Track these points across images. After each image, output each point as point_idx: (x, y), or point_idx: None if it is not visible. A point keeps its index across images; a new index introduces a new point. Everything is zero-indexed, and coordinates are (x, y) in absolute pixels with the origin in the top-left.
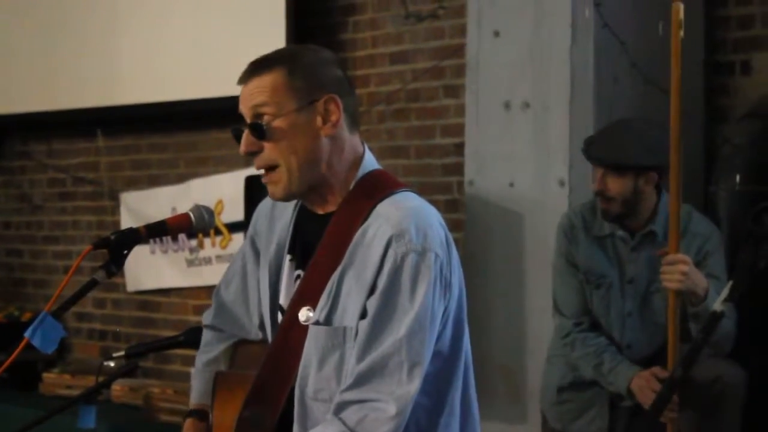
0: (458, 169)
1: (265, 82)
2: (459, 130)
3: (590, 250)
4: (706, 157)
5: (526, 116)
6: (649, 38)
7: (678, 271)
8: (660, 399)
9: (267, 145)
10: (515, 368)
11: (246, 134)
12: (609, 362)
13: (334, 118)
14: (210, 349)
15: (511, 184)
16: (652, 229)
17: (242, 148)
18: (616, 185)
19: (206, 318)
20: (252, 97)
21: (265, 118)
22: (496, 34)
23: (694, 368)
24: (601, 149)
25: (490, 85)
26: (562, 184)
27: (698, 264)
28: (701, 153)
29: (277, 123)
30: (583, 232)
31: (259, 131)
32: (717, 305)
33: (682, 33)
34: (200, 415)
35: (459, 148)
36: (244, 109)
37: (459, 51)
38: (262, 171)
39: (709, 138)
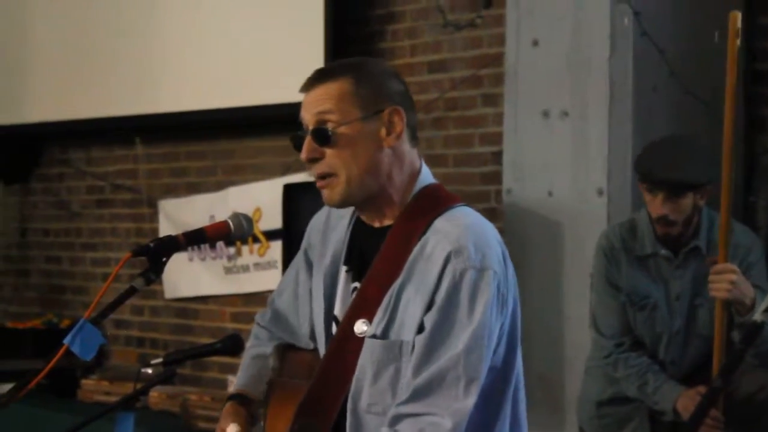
0: (496, 177)
1: (331, 89)
2: (497, 138)
3: (632, 271)
4: (745, 167)
5: (564, 125)
6: (688, 47)
7: (726, 280)
8: (699, 410)
9: (329, 152)
10: (553, 377)
11: (308, 140)
12: (653, 382)
13: (398, 129)
14: (260, 344)
15: (550, 193)
16: (696, 244)
17: (304, 154)
18: (679, 207)
19: (261, 319)
20: (317, 104)
21: (330, 124)
22: (535, 43)
23: (739, 379)
24: (665, 172)
25: (529, 94)
26: (600, 193)
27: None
28: (741, 163)
29: (342, 130)
30: (624, 253)
31: (324, 137)
32: (757, 315)
33: (738, 42)
34: (241, 399)
35: (497, 157)
36: (307, 115)
37: (497, 60)
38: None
39: (749, 148)
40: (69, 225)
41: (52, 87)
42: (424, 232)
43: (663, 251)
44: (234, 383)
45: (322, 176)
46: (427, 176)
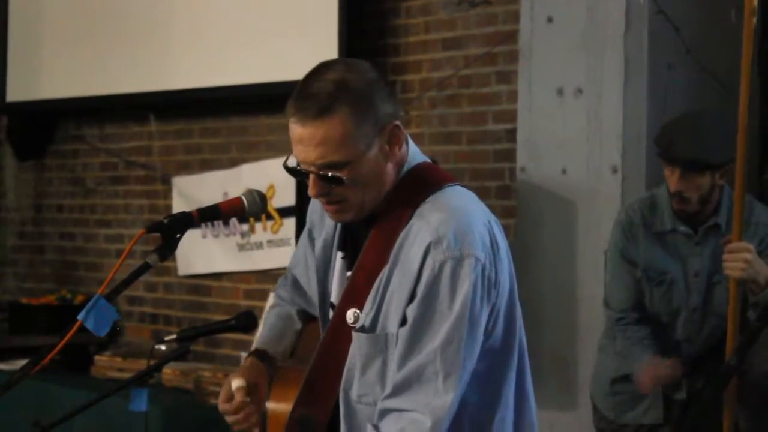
0: (510, 155)
1: (331, 131)
2: (511, 116)
3: (650, 247)
4: (761, 145)
5: (579, 103)
6: (703, 24)
7: (741, 259)
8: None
9: (339, 188)
10: (566, 356)
11: (316, 181)
12: (634, 354)
13: (400, 141)
14: (284, 304)
15: (564, 171)
16: (716, 222)
17: (312, 192)
18: (695, 184)
19: (283, 282)
20: (319, 145)
21: (337, 166)
22: (550, 20)
23: (753, 359)
24: (683, 149)
25: (543, 72)
26: (615, 170)
27: (760, 254)
28: (757, 141)
29: (351, 169)
30: (642, 228)
31: (336, 182)
32: None
33: (754, 20)
34: (260, 355)
35: (511, 135)
36: (308, 153)
37: (512, 37)
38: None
39: (764, 126)
40: (83, 201)
41: (67, 64)
42: (409, 218)
43: (682, 228)
44: (255, 338)
45: (332, 203)
46: (414, 155)
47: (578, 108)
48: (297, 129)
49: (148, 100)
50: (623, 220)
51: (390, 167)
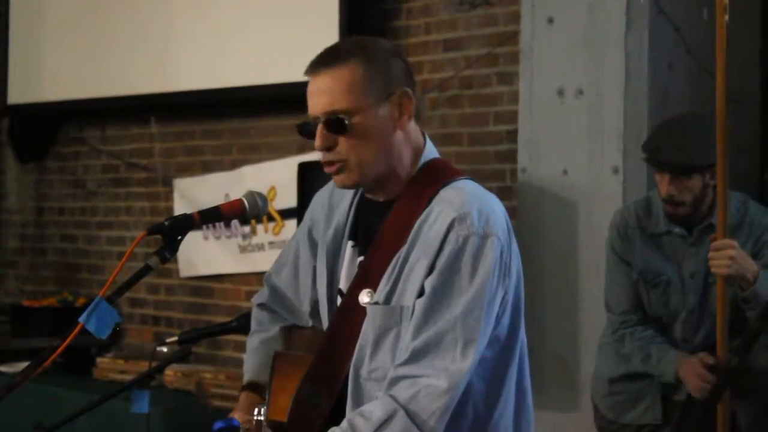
0: (511, 156)
1: (341, 76)
2: (512, 117)
3: (646, 249)
4: (762, 144)
5: (579, 103)
6: (703, 24)
7: (726, 256)
8: (716, 388)
9: (342, 140)
10: (568, 357)
11: (322, 129)
12: (656, 353)
13: (409, 111)
14: (265, 329)
15: (565, 172)
16: (711, 222)
17: (318, 143)
18: (686, 187)
19: (259, 298)
20: (328, 92)
21: (344, 114)
22: (550, 20)
23: (753, 357)
24: (668, 154)
25: (544, 72)
26: (616, 171)
27: (755, 254)
28: (757, 140)
29: (356, 119)
30: (638, 230)
31: (339, 127)
32: None
33: (726, 18)
34: (255, 388)
35: (512, 135)
36: (318, 102)
37: (513, 38)
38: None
39: (765, 126)
40: (85, 204)
41: (68, 66)
42: (428, 203)
43: (677, 229)
44: (244, 371)
45: (333, 162)
46: (431, 151)
47: (579, 108)
48: (311, 84)
49: (149, 102)
50: (618, 222)
51: (400, 139)
